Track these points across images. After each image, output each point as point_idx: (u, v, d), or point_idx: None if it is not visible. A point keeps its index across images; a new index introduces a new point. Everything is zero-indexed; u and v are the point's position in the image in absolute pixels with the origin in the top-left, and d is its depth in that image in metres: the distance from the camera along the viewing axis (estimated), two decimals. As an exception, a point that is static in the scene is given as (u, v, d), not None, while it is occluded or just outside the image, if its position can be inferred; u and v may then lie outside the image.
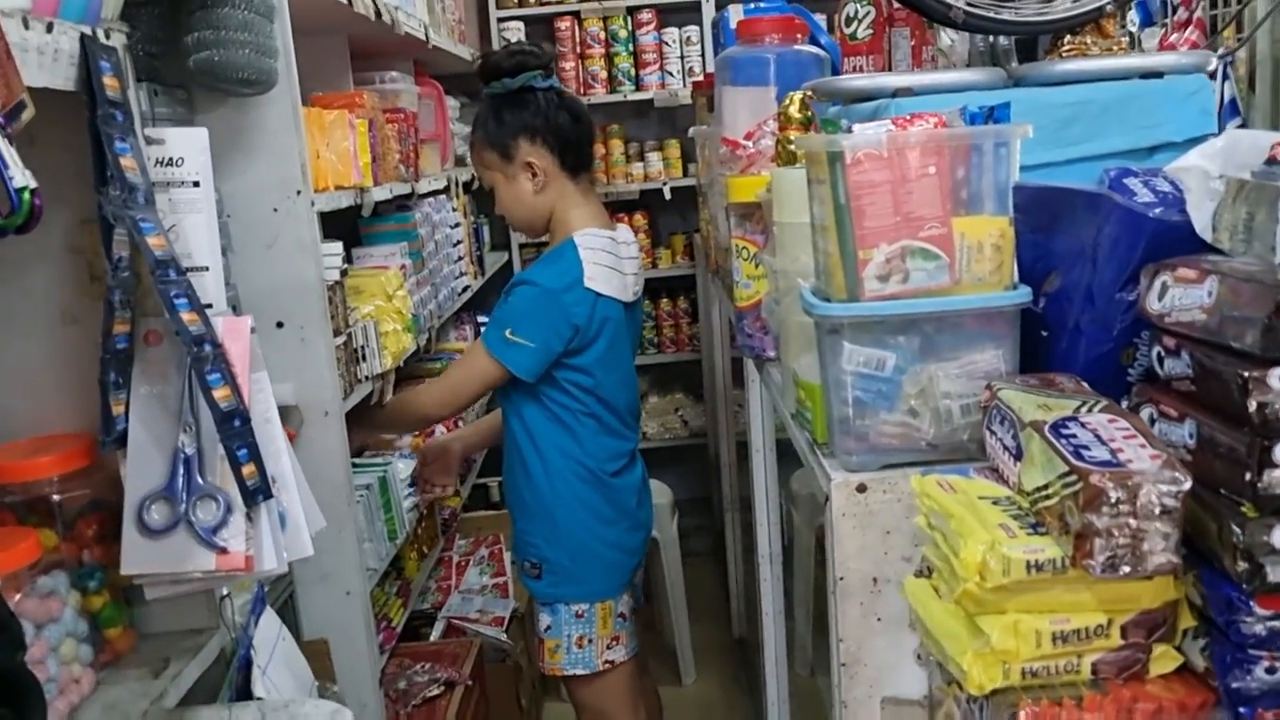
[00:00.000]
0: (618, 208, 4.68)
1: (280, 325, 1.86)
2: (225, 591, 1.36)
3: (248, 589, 1.44)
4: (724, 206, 2.34)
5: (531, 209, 2.26)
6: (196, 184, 1.29)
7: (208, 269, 1.30)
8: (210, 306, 1.29)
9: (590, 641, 2.27)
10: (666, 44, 4.49)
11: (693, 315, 4.66)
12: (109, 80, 1.15)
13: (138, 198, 1.19)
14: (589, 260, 2.18)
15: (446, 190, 3.24)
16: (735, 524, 3.66)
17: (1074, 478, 0.92)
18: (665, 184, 4.55)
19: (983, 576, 0.96)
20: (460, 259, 3.35)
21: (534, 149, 2.21)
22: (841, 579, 1.24)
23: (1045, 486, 0.98)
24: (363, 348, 2.12)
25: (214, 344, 1.21)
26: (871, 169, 1.17)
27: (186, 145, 1.28)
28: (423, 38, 2.89)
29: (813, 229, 1.29)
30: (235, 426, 1.20)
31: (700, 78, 4.06)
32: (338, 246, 1.99)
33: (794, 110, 1.69)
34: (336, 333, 1.95)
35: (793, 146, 1.68)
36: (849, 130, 1.22)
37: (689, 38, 4.47)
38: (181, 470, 1.21)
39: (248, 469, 1.21)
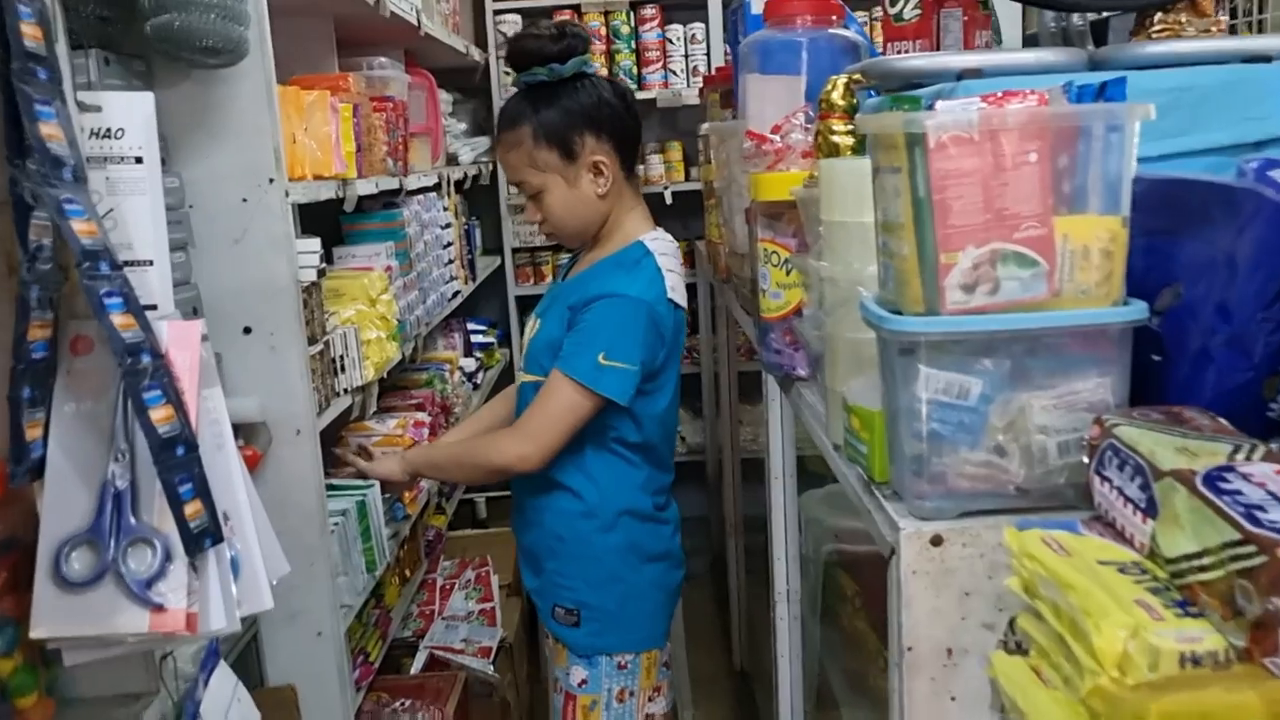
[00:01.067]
0: (616, 212, 4.47)
1: (248, 331, 1.65)
2: (167, 648, 1.14)
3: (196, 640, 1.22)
4: (745, 207, 2.14)
5: (593, 214, 1.97)
6: (140, 160, 1.07)
7: (152, 263, 1.08)
8: (154, 308, 1.08)
9: (632, 695, 2.00)
10: (670, 42, 4.29)
11: (693, 326, 4.45)
12: (28, 28, 0.93)
13: (63, 174, 0.97)
14: (665, 268, 1.93)
15: (437, 188, 3.03)
16: (739, 547, 3.45)
17: (1250, 548, 0.71)
18: (666, 188, 4.35)
19: (1123, 670, 0.74)
20: (451, 262, 3.13)
21: (600, 145, 1.93)
22: (910, 649, 1.03)
23: (1199, 555, 0.77)
24: (341, 357, 1.91)
25: (154, 354, 1.00)
26: (960, 155, 0.96)
27: (128, 113, 1.07)
28: (414, 23, 2.68)
29: (878, 228, 1.08)
30: (177, 455, 0.99)
31: (710, 74, 3.86)
32: (315, 243, 1.77)
33: (837, 96, 1.49)
34: (312, 340, 1.74)
35: (837, 138, 1.48)
36: (930, 108, 1.00)
37: (694, 35, 4.27)
38: (110, 508, 0.99)
39: (191, 507, 0.99)
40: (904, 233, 1.00)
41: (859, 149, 1.48)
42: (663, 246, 1.98)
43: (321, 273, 1.79)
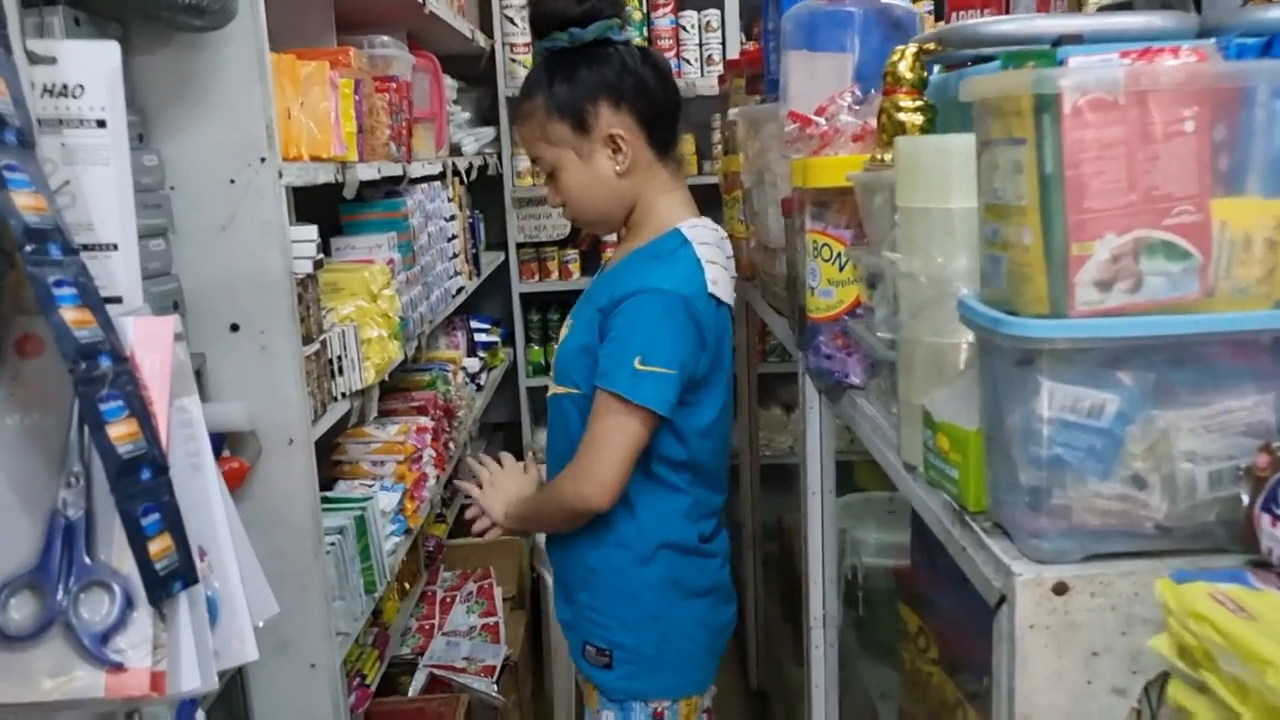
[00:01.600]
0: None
1: (235, 329, 1.47)
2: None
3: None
4: (783, 197, 1.97)
5: (612, 196, 1.76)
6: (102, 124, 0.90)
7: (116, 248, 0.91)
8: (118, 302, 0.90)
9: None
10: (684, 29, 4.11)
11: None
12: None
13: (5, 136, 0.80)
14: (705, 259, 1.72)
15: (441, 177, 2.85)
16: (756, 558, 3.27)
17: None
18: (679, 182, 4.16)
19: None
20: (455, 256, 2.95)
21: (618, 117, 1.72)
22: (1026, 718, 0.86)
23: None
24: (339, 358, 1.73)
25: (115, 357, 0.82)
26: (1100, 122, 0.79)
27: (89, 66, 0.89)
28: (418, 0, 2.50)
29: (984, 214, 0.91)
30: (142, 480, 0.81)
31: (734, 58, 3.68)
32: (311, 231, 1.59)
33: (905, 68, 1.31)
34: (307, 339, 1.56)
35: (904, 115, 1.30)
36: (1063, 65, 0.83)
37: (709, 23, 4.10)
38: (60, 544, 0.82)
39: (158, 543, 0.82)
40: (1025, 218, 0.82)
41: (929, 128, 1.31)
42: (704, 235, 1.77)
43: (318, 264, 1.61)
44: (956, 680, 1.21)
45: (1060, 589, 0.84)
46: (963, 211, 1.06)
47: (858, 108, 1.63)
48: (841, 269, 1.47)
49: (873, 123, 1.59)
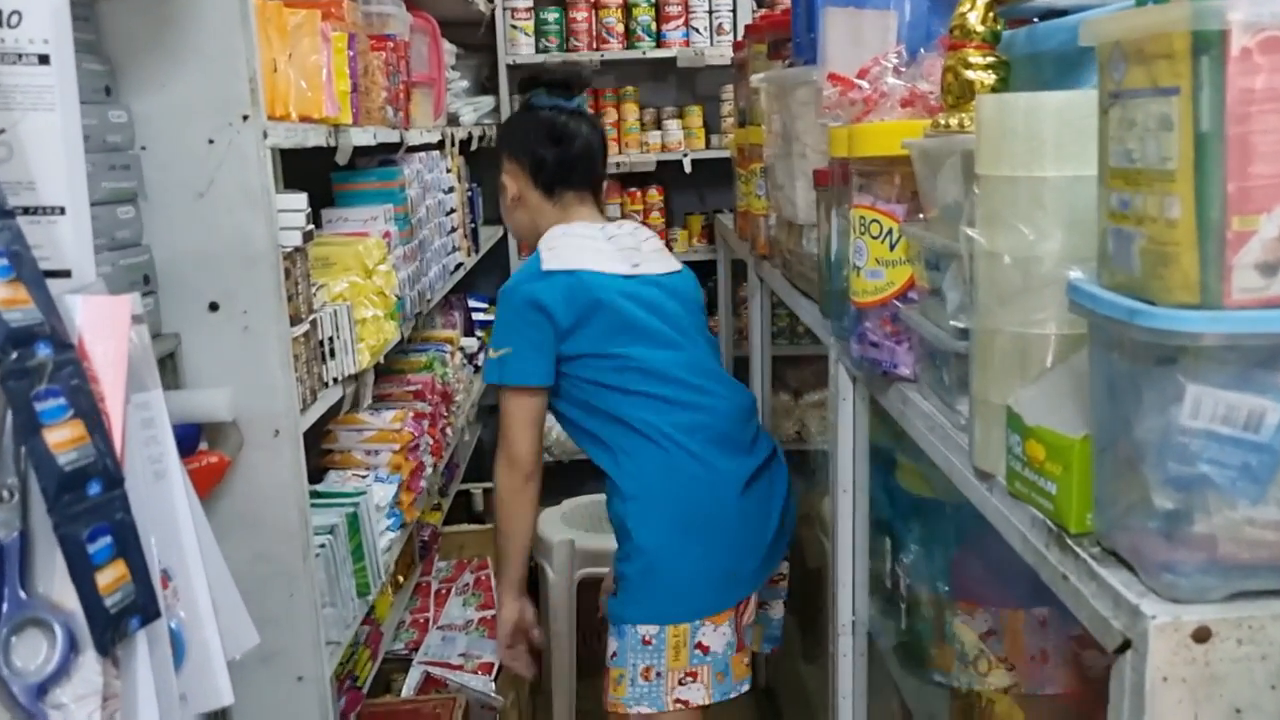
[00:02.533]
0: (630, 181, 4.14)
1: (214, 308, 1.32)
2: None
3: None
4: (811, 169, 1.82)
5: (515, 222, 2.23)
6: (45, 59, 0.74)
7: (63, 211, 0.75)
8: (65, 275, 0.75)
9: (659, 675, 1.96)
10: (693, -3, 3.94)
11: (711, 307, 4.12)
12: None
13: (-84, 69, 0.64)
14: (545, 247, 2.05)
15: (440, 146, 2.68)
16: (763, 552, 3.13)
17: None
18: (685, 155, 4.02)
19: None
20: (453, 230, 2.79)
21: (511, 165, 2.18)
22: (1156, 787, 0.72)
23: None
24: (331, 340, 1.57)
25: (57, 344, 0.67)
26: (1274, 67, 0.64)
27: (26, -10, 0.73)
28: (417, -44, 2.33)
29: (1107, 181, 0.75)
30: (89, 496, 0.66)
31: (752, 21, 3.51)
32: (301, 199, 1.44)
33: (975, 20, 1.16)
34: (295, 319, 1.41)
35: (974, 74, 1.15)
36: (1226, -2, 0.68)
37: (719, -10, 3.93)
38: (-13, 574, 0.66)
39: (110, 574, 0.67)
40: (1172, 185, 0.67)
41: (1001, 87, 1.16)
42: (556, 231, 2.08)
43: (308, 236, 1.45)
44: (1030, 715, 1.07)
45: (1202, 635, 0.70)
46: (1057, 181, 0.91)
47: (904, 70, 1.48)
48: (893, 248, 1.32)
49: (922, 86, 1.44)
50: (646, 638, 1.95)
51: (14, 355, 0.64)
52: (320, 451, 2.02)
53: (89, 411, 0.68)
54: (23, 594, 0.67)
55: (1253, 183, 0.65)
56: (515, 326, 1.96)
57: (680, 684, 1.96)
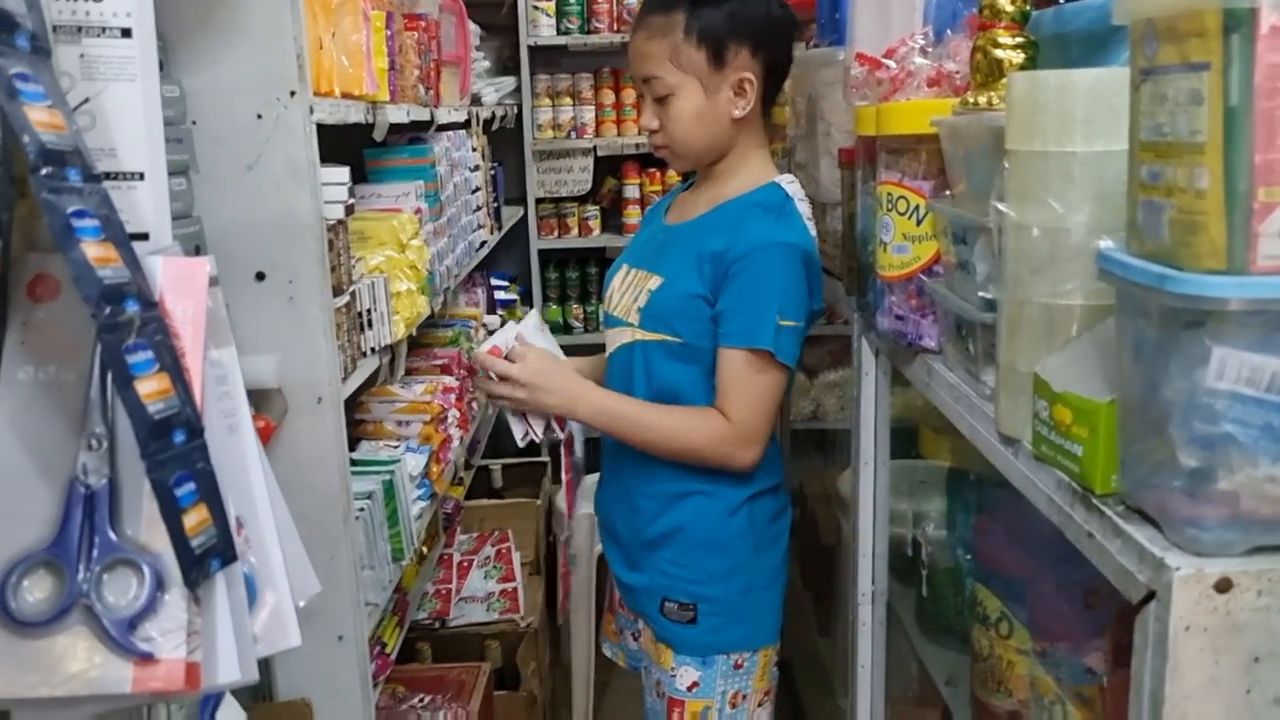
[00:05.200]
0: (649, 162, 4.17)
1: (261, 277, 1.36)
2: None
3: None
4: (835, 148, 1.85)
5: (718, 136, 1.71)
6: (127, 33, 0.78)
7: (142, 177, 0.80)
8: (144, 238, 0.79)
9: (744, 698, 1.77)
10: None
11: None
12: None
13: (16, 39, 0.68)
14: (806, 216, 1.73)
15: (467, 125, 2.72)
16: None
17: None
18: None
19: None
20: (479, 209, 2.83)
21: (754, 62, 1.68)
22: (1177, 730, 0.76)
23: None
24: (369, 311, 1.61)
25: (143, 302, 0.71)
26: (1302, 44, 0.68)
27: (110, -34, 0.77)
28: (446, -65, 2.36)
29: (1137, 154, 0.79)
30: (175, 444, 0.70)
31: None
32: (343, 173, 1.48)
33: (1004, 1, 1.19)
34: (337, 290, 1.45)
35: (1002, 53, 1.18)
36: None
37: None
38: (80, 517, 0.71)
39: (193, 516, 0.71)
40: (1202, 157, 0.71)
41: (1029, 66, 1.19)
42: (799, 192, 1.75)
43: (350, 210, 1.49)
44: (1054, 675, 1.11)
45: (1224, 585, 0.73)
46: (1086, 156, 0.95)
47: (931, 49, 1.51)
48: (919, 223, 1.35)
49: (949, 66, 1.47)
50: (739, 661, 1.76)
51: (107, 310, 0.68)
52: (354, 422, 2.07)
53: (172, 366, 0.72)
54: (112, 535, 0.71)
55: (1279, 155, 0.69)
56: (799, 294, 1.65)
57: (760, 705, 1.82)
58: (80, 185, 0.69)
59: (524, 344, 1.75)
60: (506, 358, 1.72)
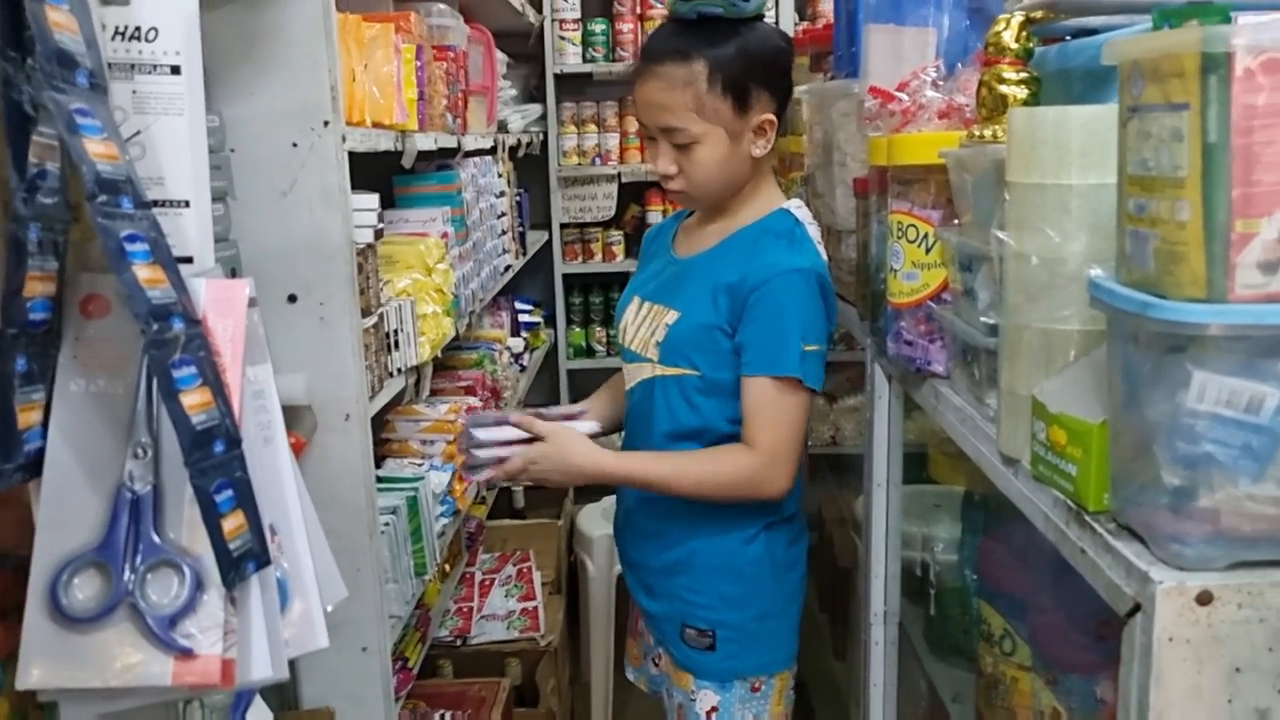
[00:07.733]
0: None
1: (293, 299, 1.42)
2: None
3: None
4: (850, 178, 1.89)
5: (739, 178, 1.71)
6: (176, 70, 0.84)
7: (188, 205, 0.85)
8: (189, 261, 0.85)
9: None
10: (736, 8, 4.01)
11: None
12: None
13: (76, 77, 0.74)
14: (815, 239, 1.72)
15: (492, 151, 2.78)
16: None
17: None
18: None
19: None
20: (504, 233, 2.89)
21: (772, 104, 1.69)
22: (1161, 738, 0.79)
23: None
24: (396, 332, 1.67)
25: (188, 320, 0.76)
26: (1275, 86, 0.72)
27: (163, 8, 0.83)
28: (475, -31, 2.43)
29: (1126, 188, 0.83)
30: (215, 454, 0.75)
31: (797, 34, 3.59)
32: (373, 199, 1.54)
33: (1009, 37, 1.23)
34: (366, 311, 1.51)
35: (1007, 88, 1.23)
36: (1231, 22, 0.75)
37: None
38: (127, 520, 0.76)
39: (232, 521, 0.76)
40: (1182, 191, 0.75)
41: (1032, 101, 1.23)
42: (808, 216, 1.76)
43: (379, 234, 1.55)
44: (1054, 689, 1.14)
45: (1205, 599, 0.77)
46: (1082, 188, 0.99)
47: (942, 83, 1.56)
48: (928, 251, 1.39)
49: (958, 99, 1.52)
50: (755, 686, 1.77)
51: (155, 327, 0.73)
52: (380, 440, 2.12)
53: (214, 380, 0.77)
54: (156, 538, 0.76)
55: (1255, 189, 0.73)
56: (818, 318, 1.65)
57: None
58: (132, 212, 0.75)
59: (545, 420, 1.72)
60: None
